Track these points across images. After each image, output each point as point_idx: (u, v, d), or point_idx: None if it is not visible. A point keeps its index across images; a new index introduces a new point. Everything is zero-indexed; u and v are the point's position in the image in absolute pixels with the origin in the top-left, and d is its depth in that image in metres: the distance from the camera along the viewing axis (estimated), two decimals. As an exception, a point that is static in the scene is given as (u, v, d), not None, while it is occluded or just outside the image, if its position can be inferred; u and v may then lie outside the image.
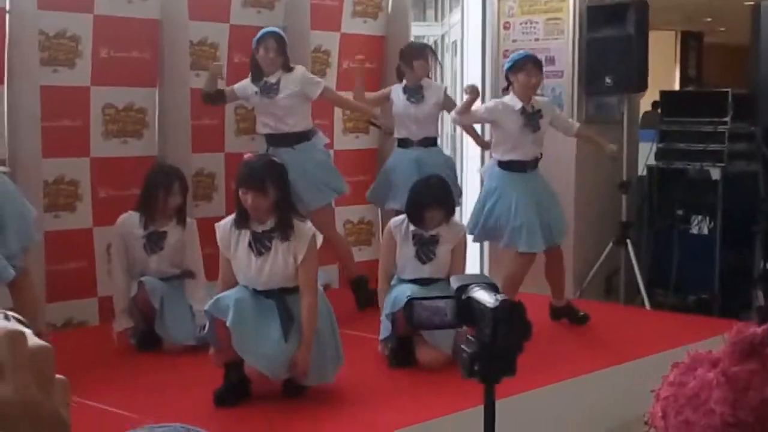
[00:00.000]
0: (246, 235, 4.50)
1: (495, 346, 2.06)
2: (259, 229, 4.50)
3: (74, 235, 5.94)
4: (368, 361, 5.21)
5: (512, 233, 5.77)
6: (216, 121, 6.64)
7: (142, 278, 5.36)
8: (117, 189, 6.08)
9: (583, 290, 7.33)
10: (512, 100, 5.89)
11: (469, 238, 5.80)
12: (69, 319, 5.89)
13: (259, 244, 4.47)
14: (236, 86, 6.17)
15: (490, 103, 6.20)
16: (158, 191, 5.42)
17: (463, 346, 2.11)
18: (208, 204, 6.47)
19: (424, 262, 5.21)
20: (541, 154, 5.98)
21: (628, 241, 7.09)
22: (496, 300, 2.05)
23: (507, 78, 5.96)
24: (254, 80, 6.07)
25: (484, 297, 2.08)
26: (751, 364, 1.21)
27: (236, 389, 4.48)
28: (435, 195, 5.23)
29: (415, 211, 5.21)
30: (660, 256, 7.29)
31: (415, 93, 6.45)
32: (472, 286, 2.14)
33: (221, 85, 6.22)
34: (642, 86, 7.16)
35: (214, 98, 6.17)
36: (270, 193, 4.43)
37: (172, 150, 6.28)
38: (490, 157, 6.14)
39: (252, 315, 4.38)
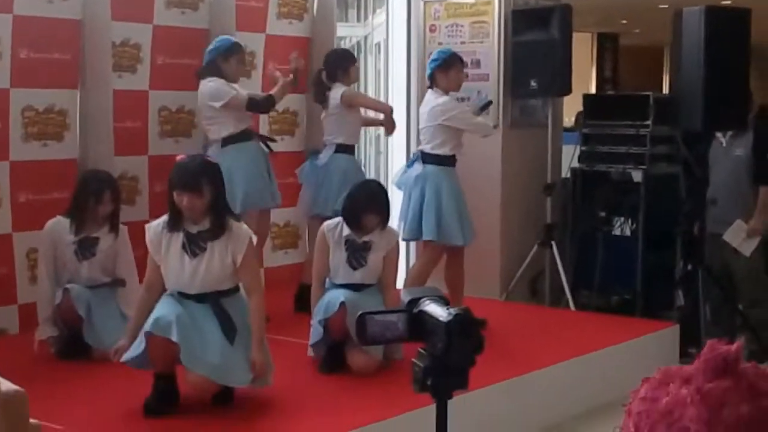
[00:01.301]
0: (179, 237, 4.41)
1: (448, 360, 2.04)
2: (194, 230, 4.41)
3: (-7, 240, 5.76)
4: (298, 367, 5.17)
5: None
6: (139, 123, 6.51)
7: (68, 285, 5.22)
8: (37, 193, 5.92)
9: (509, 292, 7.38)
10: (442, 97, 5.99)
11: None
12: None
13: (194, 246, 4.38)
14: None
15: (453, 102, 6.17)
16: (89, 199, 5.29)
17: (415, 360, 2.09)
18: (132, 208, 6.33)
19: (355, 268, 5.17)
20: None
21: (553, 243, 7.16)
22: (449, 314, 2.03)
23: (433, 75, 6.00)
24: None
25: (437, 311, 2.06)
26: (725, 381, 1.21)
27: (166, 398, 4.40)
28: (375, 200, 5.21)
29: (353, 215, 5.17)
30: (584, 258, 7.38)
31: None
32: (424, 299, 2.12)
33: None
34: (566, 89, 7.24)
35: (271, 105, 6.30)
36: (206, 194, 4.36)
37: (94, 153, 6.13)
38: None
39: (193, 328, 4.31)
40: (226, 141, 6.03)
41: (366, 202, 5.17)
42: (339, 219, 5.26)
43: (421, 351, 2.07)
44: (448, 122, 5.97)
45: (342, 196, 5.48)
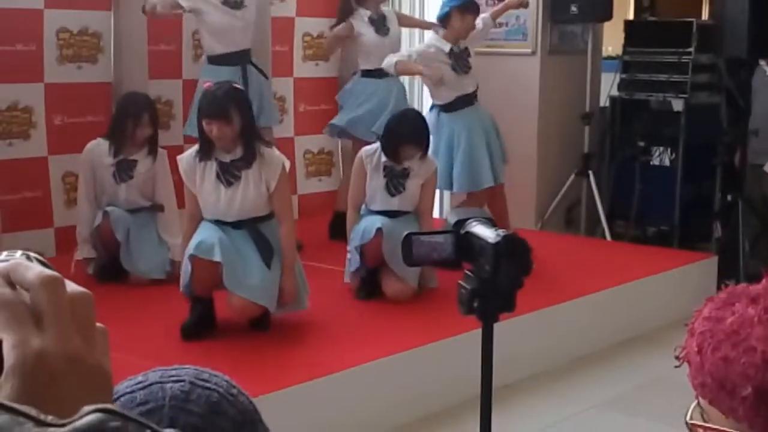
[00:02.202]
0: (212, 167, 4.38)
1: (495, 282, 2.00)
2: (227, 158, 4.38)
3: (28, 163, 5.75)
4: (335, 293, 5.16)
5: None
6: (173, 46, 6.45)
7: (107, 208, 5.22)
8: (72, 116, 5.90)
9: (544, 222, 7.31)
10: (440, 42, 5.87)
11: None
12: (24, 251, 5.71)
13: (228, 175, 4.36)
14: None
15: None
16: (127, 121, 5.25)
17: (461, 282, 2.04)
18: (166, 132, 6.28)
19: (393, 195, 5.13)
20: None
21: (590, 172, 7.07)
22: (497, 235, 1.98)
23: (449, 15, 5.80)
24: None
25: (485, 232, 2.01)
26: (793, 300, 1.18)
27: (203, 322, 4.41)
28: (413, 130, 5.13)
29: (391, 144, 5.10)
30: (621, 188, 7.28)
31: (381, 24, 6.29)
32: (471, 221, 2.07)
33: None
34: (607, 15, 7.08)
35: None
36: (235, 122, 4.32)
37: (129, 76, 6.09)
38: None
39: (234, 251, 4.31)
40: None
41: (404, 133, 5.10)
42: (377, 144, 5.20)
43: (468, 273, 2.03)
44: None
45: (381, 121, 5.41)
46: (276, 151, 4.55)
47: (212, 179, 4.38)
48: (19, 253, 0.76)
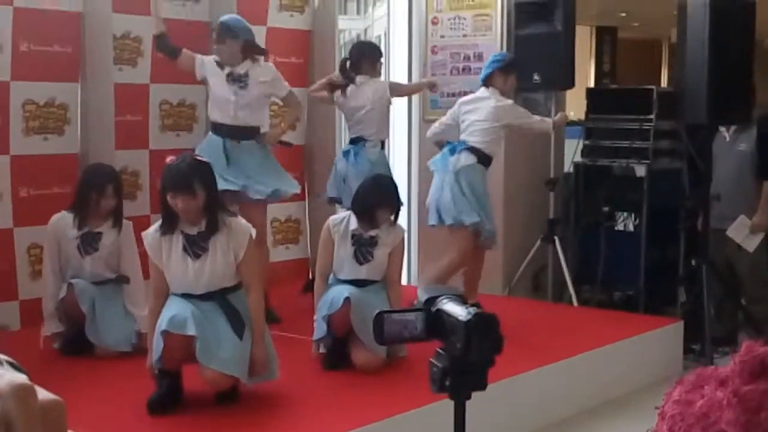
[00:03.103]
0: (178, 240, 4.37)
1: (467, 360, 2.00)
2: (193, 231, 4.38)
3: (-7, 235, 5.72)
4: (303, 364, 5.13)
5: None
6: (140, 117, 6.47)
7: (72, 280, 5.19)
8: (38, 188, 5.88)
9: (512, 287, 7.34)
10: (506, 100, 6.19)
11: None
12: None
13: (195, 247, 4.35)
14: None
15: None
16: (91, 193, 5.25)
17: (433, 360, 2.05)
18: (133, 203, 6.29)
19: (361, 263, 5.14)
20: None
21: (556, 238, 7.13)
22: (469, 313, 1.99)
23: (492, 75, 6.12)
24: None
25: (456, 309, 2.02)
26: (762, 383, 1.19)
27: (171, 396, 4.36)
28: (387, 195, 5.19)
29: (365, 209, 5.13)
30: (587, 253, 7.34)
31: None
32: (442, 298, 2.08)
33: None
34: (569, 83, 7.19)
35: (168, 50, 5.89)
36: (199, 195, 4.31)
37: (95, 147, 6.10)
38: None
39: (207, 324, 4.29)
40: None
41: (379, 197, 5.14)
42: (345, 213, 5.22)
43: (439, 351, 2.03)
44: (514, 122, 6.14)
45: None
46: (242, 220, 4.55)
47: (179, 252, 4.36)
48: (-8, 357, 0.77)
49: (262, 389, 4.61)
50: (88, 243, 5.27)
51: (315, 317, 5.10)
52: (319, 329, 5.05)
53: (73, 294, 5.14)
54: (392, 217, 5.22)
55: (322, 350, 5.13)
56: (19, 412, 0.53)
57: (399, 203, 5.32)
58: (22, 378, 0.59)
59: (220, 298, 4.38)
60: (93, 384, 4.68)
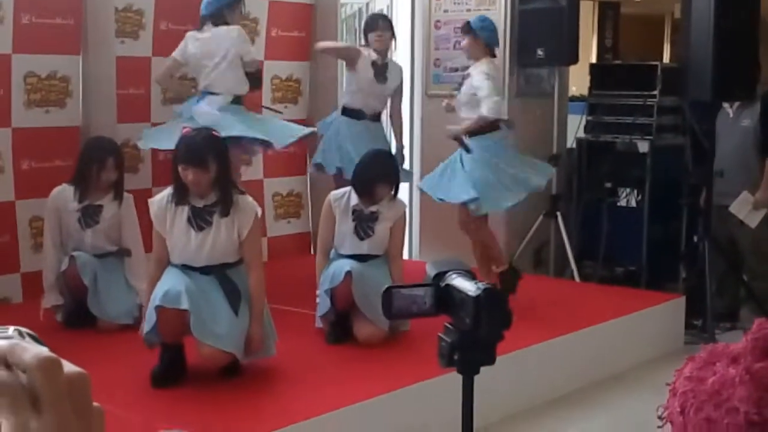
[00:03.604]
0: (184, 211, 4.36)
1: (476, 335, 1.99)
2: (200, 203, 4.37)
3: (-5, 208, 5.71)
4: (305, 338, 5.14)
5: None
6: (142, 90, 6.44)
7: (74, 253, 5.18)
8: (40, 161, 5.86)
9: (513, 262, 7.32)
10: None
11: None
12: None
13: (200, 219, 4.34)
14: None
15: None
16: (92, 166, 5.23)
17: (441, 335, 2.04)
18: (135, 176, 6.27)
19: (362, 239, 5.13)
20: None
21: (558, 213, 7.11)
22: (478, 288, 1.98)
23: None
24: None
25: (465, 285, 2.01)
26: (774, 360, 1.18)
27: (173, 369, 4.37)
28: (386, 170, 5.17)
29: (365, 185, 5.11)
30: (589, 229, 7.33)
31: (381, 73, 6.29)
32: (451, 273, 2.07)
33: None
34: (573, 58, 7.16)
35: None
36: (211, 169, 4.31)
37: (97, 120, 6.08)
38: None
39: (202, 298, 4.27)
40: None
41: (378, 172, 5.13)
42: (346, 189, 5.21)
43: (448, 326, 2.03)
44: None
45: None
46: (249, 198, 4.52)
47: (183, 223, 4.35)
48: (11, 329, 0.76)
49: (265, 363, 4.61)
50: (89, 216, 5.26)
51: (317, 292, 5.10)
52: (323, 304, 5.04)
53: (75, 267, 5.13)
54: (392, 192, 5.20)
55: (320, 325, 5.12)
56: (45, 385, 0.53)
57: (397, 180, 5.28)
58: (46, 351, 0.59)
59: (218, 272, 4.37)
60: (96, 357, 4.68)
